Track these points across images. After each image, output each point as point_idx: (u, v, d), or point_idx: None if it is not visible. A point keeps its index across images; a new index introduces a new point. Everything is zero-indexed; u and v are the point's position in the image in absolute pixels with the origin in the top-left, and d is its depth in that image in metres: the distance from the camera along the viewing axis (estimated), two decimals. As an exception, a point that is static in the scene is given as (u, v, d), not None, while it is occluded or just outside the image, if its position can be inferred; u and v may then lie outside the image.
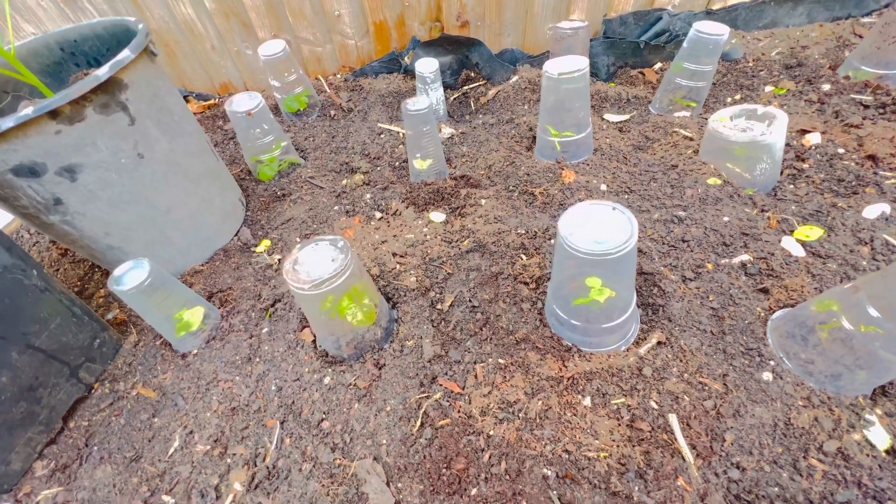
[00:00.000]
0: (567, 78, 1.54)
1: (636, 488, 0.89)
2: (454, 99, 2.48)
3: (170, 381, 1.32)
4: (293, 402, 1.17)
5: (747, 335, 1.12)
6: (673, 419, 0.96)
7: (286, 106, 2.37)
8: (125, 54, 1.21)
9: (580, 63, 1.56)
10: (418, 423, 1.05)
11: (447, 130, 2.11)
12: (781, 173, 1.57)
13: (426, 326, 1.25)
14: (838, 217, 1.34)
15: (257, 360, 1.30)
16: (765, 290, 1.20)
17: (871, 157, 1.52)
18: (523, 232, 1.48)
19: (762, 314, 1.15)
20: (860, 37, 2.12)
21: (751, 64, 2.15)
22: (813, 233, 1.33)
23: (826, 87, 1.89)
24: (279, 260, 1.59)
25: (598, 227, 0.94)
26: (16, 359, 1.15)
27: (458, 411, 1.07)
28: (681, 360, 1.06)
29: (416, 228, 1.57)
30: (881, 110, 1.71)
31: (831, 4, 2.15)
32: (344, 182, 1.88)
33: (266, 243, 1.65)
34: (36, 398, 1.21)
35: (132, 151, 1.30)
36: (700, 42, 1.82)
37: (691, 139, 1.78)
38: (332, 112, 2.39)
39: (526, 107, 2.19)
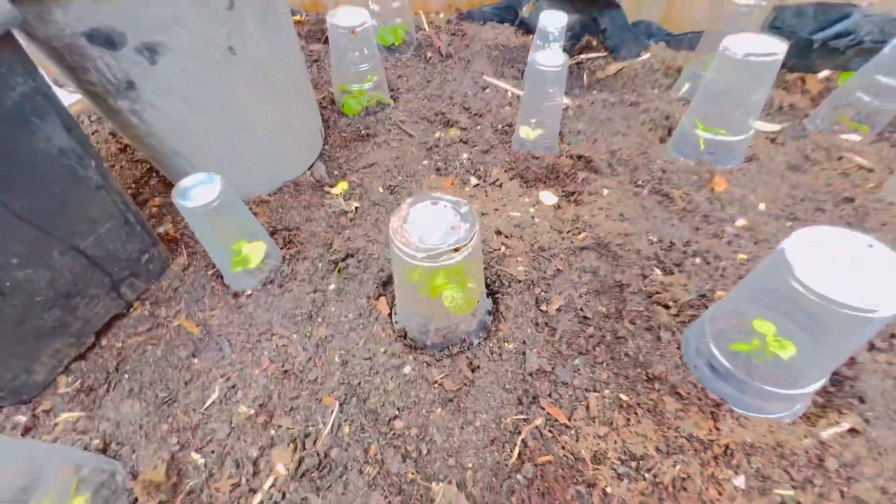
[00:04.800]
0: (756, 63, 1.22)
1: None
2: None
3: (217, 321, 1.14)
4: (360, 384, 0.97)
5: (960, 444, 0.84)
6: (881, 547, 0.71)
7: (379, 37, 2.09)
8: (240, -84, 0.96)
9: (775, 46, 1.23)
10: (515, 453, 0.84)
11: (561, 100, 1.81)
12: None
13: (530, 329, 1.02)
14: None
15: (320, 320, 1.11)
16: (981, 388, 0.91)
17: None
18: (656, 240, 1.21)
19: (978, 419, 0.87)
20: None
21: (948, 94, 1.74)
22: None
23: None
24: (356, 208, 1.37)
25: (852, 270, 0.67)
26: (56, 259, 0.98)
27: (563, 448, 0.85)
28: (876, 460, 0.80)
29: (522, 207, 1.32)
30: None
31: None
32: (437, 135, 1.63)
33: (343, 186, 1.43)
34: (70, 307, 1.05)
35: (224, 43, 1.07)
36: (909, 51, 1.45)
37: (870, 170, 1.44)
38: (429, 54, 2.11)
39: (656, 91, 1.85)
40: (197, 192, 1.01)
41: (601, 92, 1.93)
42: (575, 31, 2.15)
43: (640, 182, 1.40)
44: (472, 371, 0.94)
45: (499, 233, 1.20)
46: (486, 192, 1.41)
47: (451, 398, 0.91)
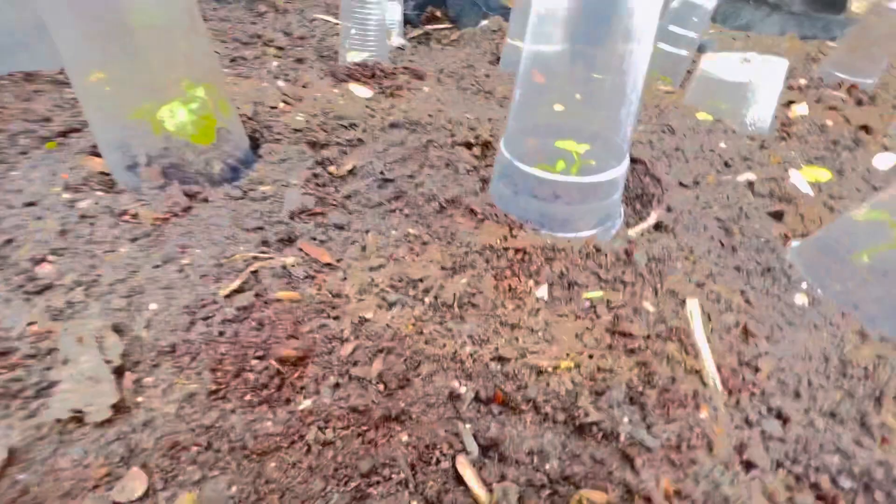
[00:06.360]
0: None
1: (626, 419, 0.46)
2: (413, 38, 2.13)
3: None
4: (8, 240, 0.62)
5: (766, 253, 0.78)
6: (693, 307, 0.55)
7: (204, -14, 1.88)
8: None
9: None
10: (232, 286, 0.56)
11: (398, 40, 1.74)
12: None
13: (300, 172, 0.78)
14: (847, 162, 1.10)
15: (-12, 190, 0.74)
16: (778, 215, 0.89)
17: (864, 128, 1.35)
18: (472, 117, 1.09)
19: (779, 238, 0.83)
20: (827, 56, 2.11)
21: (726, 58, 2.05)
22: (821, 174, 1.08)
23: (802, 81, 1.79)
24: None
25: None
26: None
27: (320, 288, 0.60)
28: (687, 259, 0.68)
29: (329, 95, 1.12)
30: (859, 106, 1.60)
31: (802, 20, 2.14)
32: (247, 52, 1.41)
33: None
34: None
35: None
36: (688, 5, 1.67)
37: (672, 92, 1.56)
38: (263, 8, 1.94)
39: (494, 45, 1.89)
40: None
41: (444, 47, 1.92)
42: (419, 2, 2.18)
43: (464, 86, 1.31)
44: (190, 198, 0.66)
45: (285, 95, 0.98)
46: (292, 91, 1.19)
47: (147, 233, 0.61)
